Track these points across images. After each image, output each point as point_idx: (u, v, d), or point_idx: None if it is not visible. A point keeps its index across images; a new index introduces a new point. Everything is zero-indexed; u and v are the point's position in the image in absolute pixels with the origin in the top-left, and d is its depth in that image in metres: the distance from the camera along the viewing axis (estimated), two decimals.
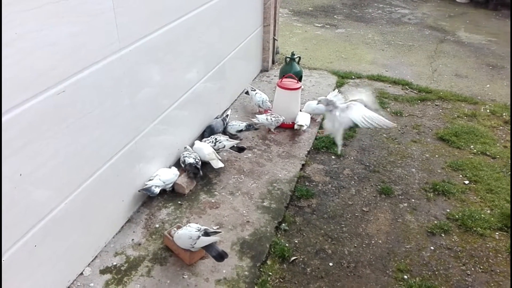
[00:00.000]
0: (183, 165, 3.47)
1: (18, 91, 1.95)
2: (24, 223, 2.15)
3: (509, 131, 4.53)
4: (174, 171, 3.37)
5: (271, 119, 4.17)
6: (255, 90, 4.57)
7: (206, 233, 2.68)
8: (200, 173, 3.45)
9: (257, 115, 4.27)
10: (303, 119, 4.21)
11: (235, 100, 4.87)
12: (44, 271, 2.34)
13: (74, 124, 2.35)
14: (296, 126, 4.15)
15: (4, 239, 2.04)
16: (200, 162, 3.48)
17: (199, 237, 2.62)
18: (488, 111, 4.96)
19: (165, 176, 3.26)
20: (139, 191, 3.12)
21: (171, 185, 3.31)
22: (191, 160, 3.43)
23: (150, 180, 3.19)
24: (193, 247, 2.65)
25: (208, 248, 2.66)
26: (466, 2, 9.60)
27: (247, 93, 4.71)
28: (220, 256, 2.65)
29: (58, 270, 2.47)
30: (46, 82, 2.10)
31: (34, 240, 2.21)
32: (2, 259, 2.05)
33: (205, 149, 3.60)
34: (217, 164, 3.58)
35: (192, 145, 3.77)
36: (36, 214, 2.21)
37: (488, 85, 5.69)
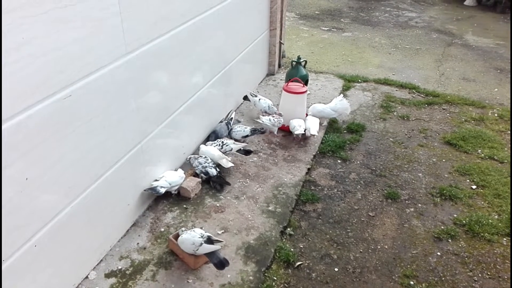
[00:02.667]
0: (204, 176, 3.49)
1: (25, 95, 1.97)
2: (30, 226, 2.16)
3: None
4: (180, 173, 3.38)
5: (273, 120, 4.17)
6: (256, 96, 4.56)
7: (210, 240, 2.68)
8: (229, 184, 3.53)
9: (261, 116, 4.27)
10: (314, 127, 4.16)
11: (241, 104, 4.88)
12: (49, 274, 2.35)
13: (80, 128, 2.36)
14: (307, 133, 4.12)
15: (9, 242, 2.05)
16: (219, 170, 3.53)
17: (201, 244, 2.62)
18: (496, 115, 4.92)
19: (171, 178, 3.27)
20: (144, 190, 3.14)
21: (176, 187, 3.32)
22: (214, 172, 3.47)
23: (156, 180, 3.21)
24: (195, 252, 2.65)
25: (210, 255, 2.66)
26: (474, 5, 9.55)
27: (245, 98, 4.69)
28: (221, 264, 2.64)
29: (63, 273, 2.48)
30: (53, 86, 2.11)
31: (40, 244, 2.22)
32: (3, 260, 2.06)
33: (212, 150, 3.62)
34: (227, 163, 3.59)
35: (197, 149, 3.78)
36: (42, 217, 2.23)
37: (496, 89, 5.64)
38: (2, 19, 1.77)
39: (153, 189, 3.14)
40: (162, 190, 3.17)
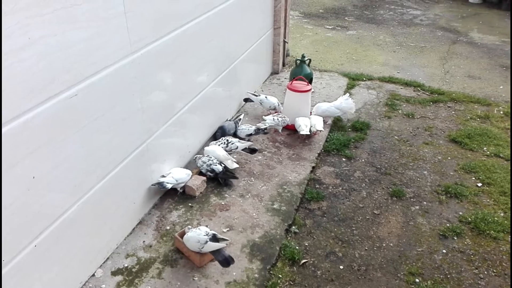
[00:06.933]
0: (210, 174, 3.50)
1: (32, 94, 1.99)
2: (37, 225, 2.18)
3: None
4: (187, 171, 3.40)
5: (278, 119, 4.18)
6: (259, 95, 4.55)
7: (215, 238, 2.69)
8: (237, 178, 3.56)
9: (264, 117, 4.28)
10: (319, 123, 4.18)
11: (244, 104, 4.88)
12: (56, 272, 2.37)
13: (86, 127, 2.38)
14: (313, 129, 4.12)
15: (16, 241, 2.07)
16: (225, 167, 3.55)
17: (207, 241, 2.64)
18: (501, 112, 4.90)
19: (177, 174, 3.29)
20: (152, 185, 3.16)
21: (182, 184, 3.33)
22: (220, 168, 3.49)
23: (163, 176, 3.24)
24: (201, 250, 2.67)
25: (215, 252, 2.68)
26: (479, 2, 9.49)
27: (246, 100, 4.69)
28: (226, 262, 2.65)
29: (70, 271, 2.50)
30: (59, 86, 2.13)
31: (46, 242, 2.24)
32: (10, 258, 2.08)
33: (218, 151, 3.62)
34: (232, 164, 3.59)
35: (202, 148, 3.80)
36: (49, 216, 2.25)
37: (501, 86, 5.62)
38: (9, 19, 1.79)
39: (160, 184, 3.17)
40: (169, 186, 3.20)
